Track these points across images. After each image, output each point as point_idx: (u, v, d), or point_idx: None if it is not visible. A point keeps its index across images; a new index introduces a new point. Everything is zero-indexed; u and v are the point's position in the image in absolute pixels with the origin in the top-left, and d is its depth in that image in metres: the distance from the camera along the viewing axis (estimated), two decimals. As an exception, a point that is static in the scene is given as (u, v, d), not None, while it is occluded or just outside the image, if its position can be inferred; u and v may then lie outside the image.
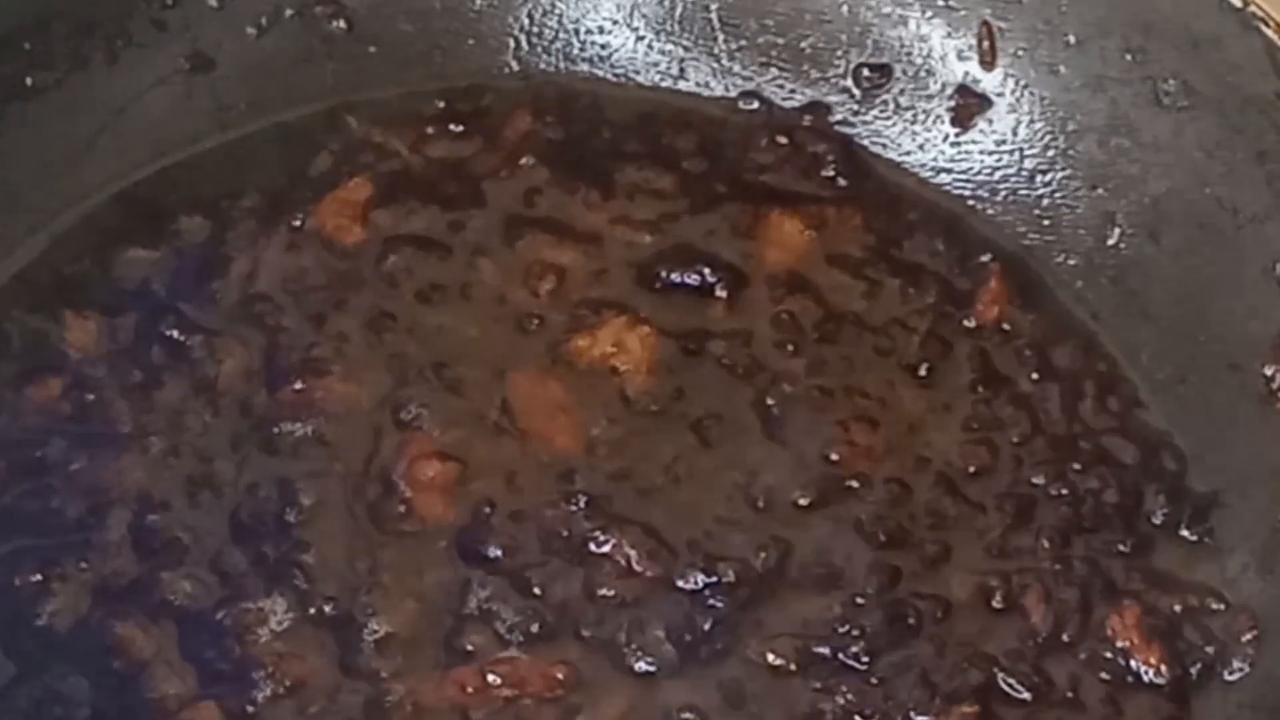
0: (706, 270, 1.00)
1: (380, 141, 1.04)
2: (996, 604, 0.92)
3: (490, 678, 0.87)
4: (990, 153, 1.06)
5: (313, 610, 0.89)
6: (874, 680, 0.89)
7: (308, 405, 0.94)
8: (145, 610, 0.88)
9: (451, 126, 1.05)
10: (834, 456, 0.95)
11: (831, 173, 1.05)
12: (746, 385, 0.97)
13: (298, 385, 0.95)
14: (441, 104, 1.06)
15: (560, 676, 0.88)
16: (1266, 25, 0.97)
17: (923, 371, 0.99)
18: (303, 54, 1.06)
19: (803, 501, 0.93)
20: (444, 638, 0.88)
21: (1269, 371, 0.96)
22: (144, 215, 1.01)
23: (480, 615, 0.89)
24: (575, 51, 1.09)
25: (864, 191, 1.05)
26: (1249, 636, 0.92)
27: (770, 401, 0.96)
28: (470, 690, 0.87)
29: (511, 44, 1.09)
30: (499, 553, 0.91)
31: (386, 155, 1.04)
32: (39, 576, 0.89)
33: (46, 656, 0.87)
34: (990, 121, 1.06)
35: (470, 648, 0.88)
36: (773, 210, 1.03)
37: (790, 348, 0.98)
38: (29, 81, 1.00)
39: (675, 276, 1.00)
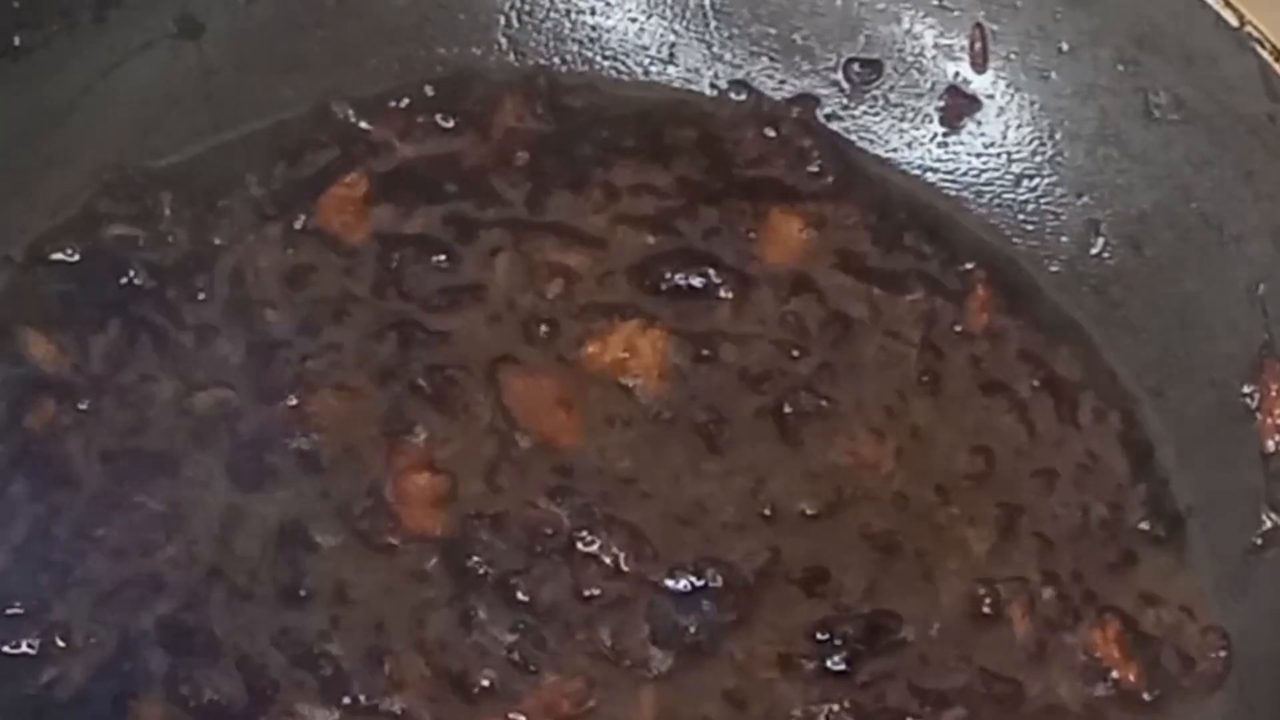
0: (711, 271, 1.00)
1: (370, 133, 1.03)
2: (983, 613, 0.93)
3: (515, 716, 0.87)
4: (978, 155, 1.06)
5: (346, 701, 0.88)
6: (862, 686, 0.90)
7: (303, 418, 0.94)
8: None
9: (440, 119, 1.04)
10: (839, 464, 0.95)
11: (817, 168, 1.05)
12: (755, 391, 0.97)
13: (292, 401, 0.94)
14: (431, 91, 1.05)
15: (582, 690, 0.88)
16: (1263, 47, 0.97)
17: (921, 378, 0.99)
18: (292, 22, 1.05)
19: (807, 509, 0.94)
20: (459, 680, 0.88)
21: (1248, 390, 0.97)
22: (131, 206, 1.00)
23: (481, 641, 0.89)
24: (565, 31, 1.08)
25: (852, 187, 1.05)
26: (1221, 655, 0.93)
27: (785, 409, 0.96)
28: None
29: (501, 20, 1.08)
30: (504, 567, 0.91)
31: (379, 149, 1.03)
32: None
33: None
34: (979, 123, 1.06)
35: (486, 682, 0.88)
36: (772, 209, 1.03)
37: (795, 352, 0.98)
38: (17, 41, 0.99)
39: (680, 278, 1.00)
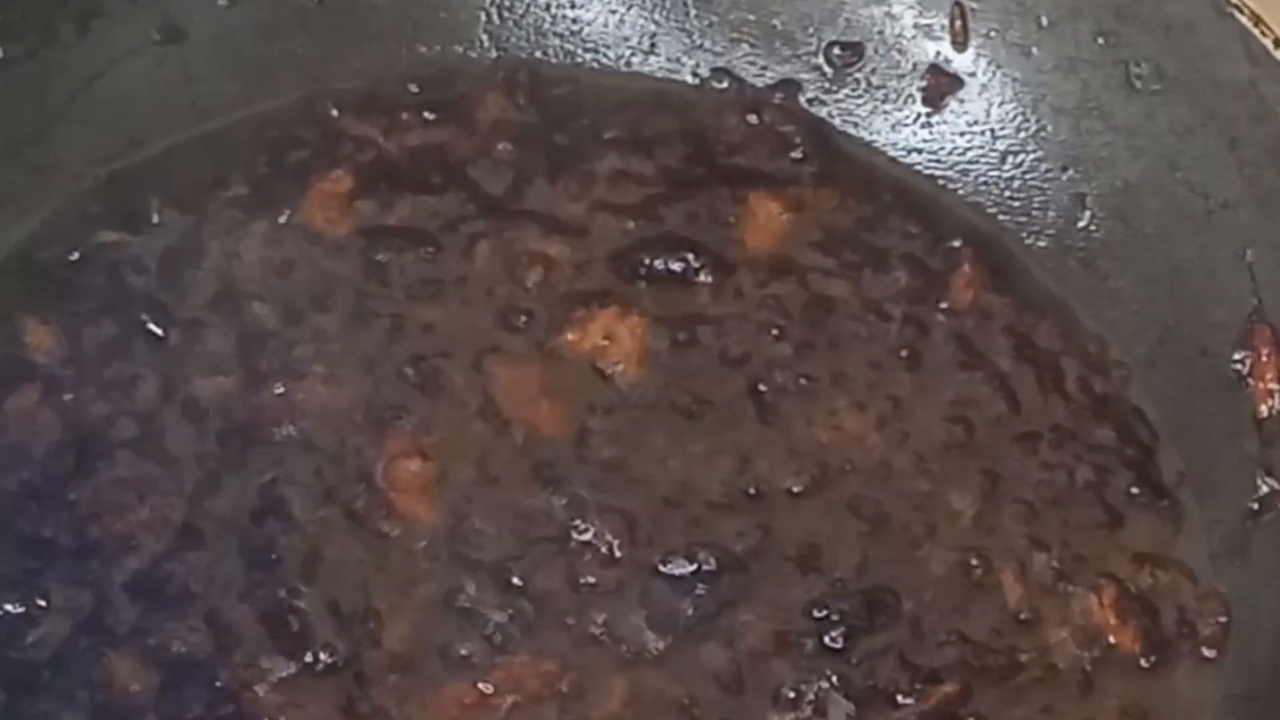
0: (690, 256, 1.00)
1: (354, 130, 1.04)
2: (974, 582, 0.93)
3: (484, 687, 0.87)
4: (962, 133, 1.06)
5: (309, 659, 0.88)
6: (854, 662, 0.90)
7: (290, 406, 0.94)
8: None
9: (425, 114, 1.05)
10: (822, 440, 0.95)
11: (800, 154, 1.06)
12: (736, 372, 0.97)
13: (279, 389, 0.94)
14: (415, 88, 1.06)
15: (555, 672, 0.88)
16: (1240, 12, 0.97)
17: (904, 354, 0.99)
18: (274, 25, 1.06)
19: (793, 487, 0.94)
20: (439, 649, 0.88)
21: (1238, 356, 0.97)
22: (119, 209, 1.00)
23: (470, 618, 0.89)
24: (547, 26, 1.09)
25: (835, 172, 1.05)
26: (1220, 619, 0.93)
27: (760, 388, 0.97)
28: (468, 704, 0.87)
29: (483, 17, 1.09)
30: (499, 552, 0.91)
31: (363, 145, 1.03)
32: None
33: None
34: (962, 102, 1.07)
35: (465, 652, 0.88)
36: (751, 193, 1.03)
37: (775, 332, 0.99)
38: (1, 53, 0.99)
39: (659, 264, 1.00)
